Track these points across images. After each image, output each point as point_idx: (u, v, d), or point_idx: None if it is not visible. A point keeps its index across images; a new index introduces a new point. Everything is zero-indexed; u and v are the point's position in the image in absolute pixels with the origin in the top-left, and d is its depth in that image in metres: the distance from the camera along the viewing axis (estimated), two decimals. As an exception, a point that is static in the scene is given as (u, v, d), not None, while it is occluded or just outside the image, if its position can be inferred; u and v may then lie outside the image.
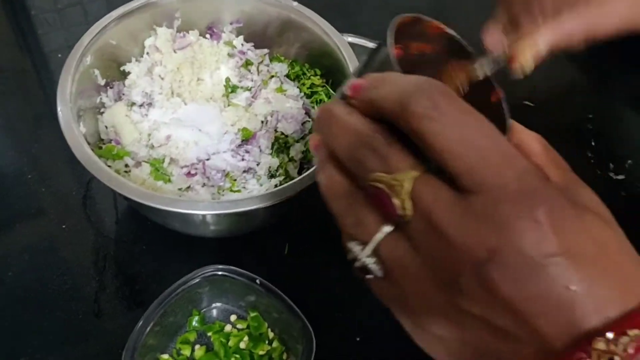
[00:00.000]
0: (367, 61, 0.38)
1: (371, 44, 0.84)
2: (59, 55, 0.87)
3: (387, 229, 0.30)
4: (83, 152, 0.56)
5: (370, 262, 0.31)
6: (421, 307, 0.30)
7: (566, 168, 0.36)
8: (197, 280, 0.61)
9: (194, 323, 0.63)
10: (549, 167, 0.35)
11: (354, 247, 0.33)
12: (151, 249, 0.69)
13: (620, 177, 0.80)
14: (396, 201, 0.29)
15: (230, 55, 0.72)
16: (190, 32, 0.72)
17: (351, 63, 0.65)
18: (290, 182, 0.56)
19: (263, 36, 0.74)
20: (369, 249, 0.31)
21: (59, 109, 0.59)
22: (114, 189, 0.54)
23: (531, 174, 0.28)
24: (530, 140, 0.37)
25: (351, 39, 0.79)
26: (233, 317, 0.64)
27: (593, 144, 0.84)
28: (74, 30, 0.93)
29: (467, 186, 0.28)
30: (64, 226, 0.70)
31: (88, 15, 0.97)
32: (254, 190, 0.62)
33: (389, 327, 0.40)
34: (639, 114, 0.91)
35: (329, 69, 0.70)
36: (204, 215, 0.56)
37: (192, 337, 0.62)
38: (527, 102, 0.88)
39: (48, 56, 0.92)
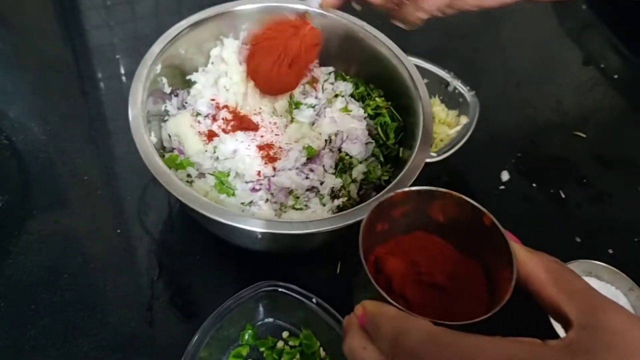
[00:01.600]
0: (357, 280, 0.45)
1: (428, 65, 0.84)
2: (117, 57, 0.87)
3: None
4: (153, 160, 0.56)
5: None
6: None
7: (582, 289, 0.37)
8: (255, 295, 0.61)
9: (246, 337, 0.62)
10: (562, 299, 0.37)
11: None
12: (205, 260, 0.69)
13: (676, 214, 0.80)
14: None
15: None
16: (255, 44, 0.72)
17: (419, 85, 0.65)
18: (353, 209, 0.56)
19: (326, 53, 0.74)
20: None
21: (130, 116, 0.59)
22: (182, 200, 0.54)
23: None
24: (537, 270, 0.38)
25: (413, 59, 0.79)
26: (285, 334, 0.63)
27: (645, 176, 0.84)
28: (123, 27, 0.93)
29: None
30: (118, 231, 0.70)
31: (136, 12, 0.97)
32: (317, 210, 0.62)
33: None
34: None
35: (393, 91, 0.70)
36: (267, 233, 0.56)
37: (244, 351, 0.62)
38: (578, 133, 0.88)
39: (96, 53, 0.91)
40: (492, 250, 0.42)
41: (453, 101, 0.84)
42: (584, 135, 0.88)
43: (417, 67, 0.81)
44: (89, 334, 0.62)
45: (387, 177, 0.66)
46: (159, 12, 0.97)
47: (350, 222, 0.55)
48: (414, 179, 0.58)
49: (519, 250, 0.40)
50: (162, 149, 0.66)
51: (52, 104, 0.83)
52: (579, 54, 1.04)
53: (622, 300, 0.66)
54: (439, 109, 0.83)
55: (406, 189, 0.44)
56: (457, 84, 0.83)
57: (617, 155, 0.86)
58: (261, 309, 0.63)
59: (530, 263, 0.39)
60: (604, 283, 0.67)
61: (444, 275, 0.44)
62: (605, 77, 0.99)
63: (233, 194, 0.62)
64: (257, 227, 0.54)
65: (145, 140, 0.57)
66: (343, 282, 0.68)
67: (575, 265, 0.66)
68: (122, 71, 0.88)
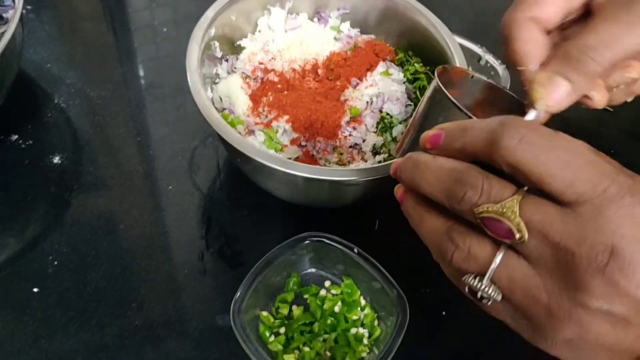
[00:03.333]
0: (426, 112, 0.45)
1: (460, 40, 0.87)
2: (164, 30, 0.91)
3: (501, 255, 0.34)
4: (212, 115, 0.60)
5: (490, 290, 0.35)
6: (547, 318, 0.33)
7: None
8: (299, 245, 0.65)
9: (291, 285, 0.67)
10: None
11: (470, 281, 0.36)
12: (251, 214, 0.73)
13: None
14: (511, 226, 0.32)
15: (337, 40, 0.76)
16: (300, 14, 0.76)
17: (457, 55, 0.69)
18: (392, 160, 0.60)
19: (365, 23, 0.78)
20: (487, 278, 0.35)
21: (187, 74, 0.63)
22: (239, 148, 0.58)
23: (620, 174, 0.32)
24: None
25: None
26: (327, 283, 0.67)
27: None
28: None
29: (571, 200, 0.32)
30: (170, 187, 0.74)
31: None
32: (360, 165, 0.66)
33: (472, 304, 0.44)
34: None
35: (431, 59, 0.74)
36: (314, 180, 0.60)
37: (290, 297, 0.66)
38: (607, 108, 0.90)
39: (143, 31, 0.96)
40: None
41: (485, 74, 0.87)
42: (611, 110, 0.90)
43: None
44: (145, 279, 0.67)
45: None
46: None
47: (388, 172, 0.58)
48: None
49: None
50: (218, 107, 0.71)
51: (105, 73, 0.87)
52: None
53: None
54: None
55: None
56: (489, 57, 0.86)
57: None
58: (305, 258, 0.67)
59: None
60: None
61: None
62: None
63: (281, 150, 0.66)
64: (305, 173, 0.57)
65: (202, 96, 0.61)
66: (381, 238, 0.72)
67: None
68: (166, 48, 0.93)
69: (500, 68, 0.85)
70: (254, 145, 0.59)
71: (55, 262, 0.67)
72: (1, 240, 0.69)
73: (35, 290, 0.65)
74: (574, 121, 0.89)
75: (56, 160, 0.76)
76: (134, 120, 0.81)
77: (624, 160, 0.82)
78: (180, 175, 0.75)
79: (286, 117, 0.66)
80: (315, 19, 0.77)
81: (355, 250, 0.65)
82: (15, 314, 0.63)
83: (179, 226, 0.72)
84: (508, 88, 0.83)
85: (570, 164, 0.32)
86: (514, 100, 0.48)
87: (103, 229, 0.70)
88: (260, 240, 0.71)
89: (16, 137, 0.77)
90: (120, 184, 0.74)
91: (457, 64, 0.68)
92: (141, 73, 0.88)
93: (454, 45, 0.70)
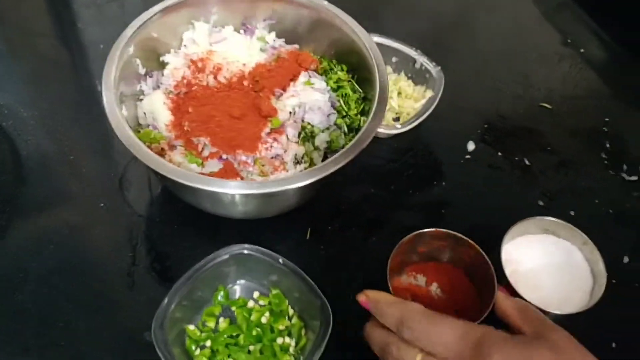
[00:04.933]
0: None
1: (396, 44, 0.88)
2: (101, 46, 0.91)
3: (420, 356, 0.51)
4: (125, 133, 0.61)
5: None
6: None
7: (539, 319, 0.53)
8: (225, 257, 0.65)
9: (219, 298, 0.67)
10: (522, 324, 0.53)
11: None
12: (182, 229, 0.73)
13: (633, 178, 0.83)
14: None
15: (263, 50, 0.76)
16: (225, 27, 0.77)
17: (377, 61, 0.69)
18: (319, 165, 0.60)
19: (294, 33, 0.79)
20: None
21: (103, 93, 0.64)
22: (154, 168, 0.59)
23: (487, 335, 0.49)
24: (510, 309, 0.55)
25: (377, 38, 0.84)
26: (256, 294, 0.68)
27: (608, 145, 0.87)
28: (112, 24, 0.98)
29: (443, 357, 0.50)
30: (101, 205, 0.75)
31: (125, 11, 1.02)
32: (281, 175, 0.66)
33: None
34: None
35: (356, 66, 0.74)
36: (234, 196, 0.60)
37: (217, 310, 0.66)
38: (544, 105, 0.91)
39: (87, 48, 0.97)
40: (487, 285, 0.62)
41: (420, 77, 0.87)
42: (549, 107, 0.91)
43: (386, 46, 0.86)
44: (72, 297, 0.67)
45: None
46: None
47: (319, 177, 0.59)
48: (367, 142, 0.62)
49: (500, 295, 0.58)
50: (138, 126, 0.71)
51: (40, 91, 0.88)
52: (548, 29, 1.07)
53: (578, 255, 0.69)
54: (405, 84, 0.87)
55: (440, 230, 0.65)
56: (423, 60, 0.86)
57: (580, 124, 0.90)
58: (232, 270, 0.67)
59: (504, 304, 0.56)
60: (561, 239, 0.70)
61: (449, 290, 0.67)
62: (573, 52, 1.02)
63: (202, 165, 0.66)
64: (230, 190, 0.58)
65: (117, 115, 0.62)
66: (312, 248, 0.73)
67: (533, 222, 0.69)
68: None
69: (434, 70, 0.85)
70: (168, 164, 0.59)
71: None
72: None
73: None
74: (510, 119, 0.90)
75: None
76: (68, 139, 0.81)
77: (562, 158, 0.84)
78: (111, 192, 0.76)
79: (206, 135, 0.66)
80: (242, 31, 0.78)
81: (281, 260, 0.65)
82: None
83: (109, 243, 0.72)
84: (442, 88, 0.84)
85: (444, 343, 0.50)
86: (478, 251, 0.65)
87: (32, 249, 0.70)
88: (190, 255, 0.71)
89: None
90: (51, 203, 0.75)
91: (378, 68, 0.69)
92: (76, 92, 0.88)
93: (375, 52, 0.70)
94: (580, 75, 0.98)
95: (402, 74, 0.88)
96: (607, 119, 0.91)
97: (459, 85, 0.89)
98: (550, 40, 1.05)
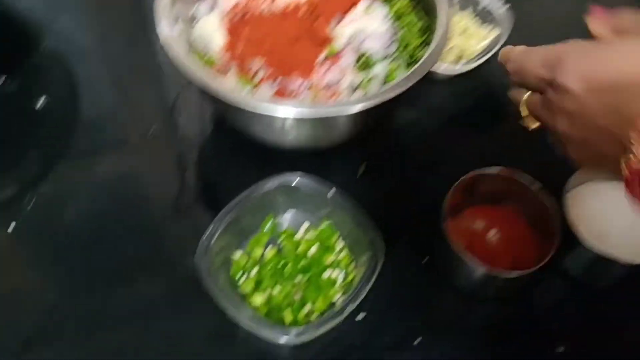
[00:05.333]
0: None
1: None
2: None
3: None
4: (178, 55, 0.59)
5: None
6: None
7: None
8: (275, 185, 0.63)
9: (267, 227, 0.65)
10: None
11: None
12: (232, 158, 0.72)
13: None
14: None
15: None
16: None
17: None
18: (376, 91, 0.57)
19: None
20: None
21: (156, 15, 0.62)
22: (209, 92, 0.57)
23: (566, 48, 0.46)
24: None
25: None
26: (305, 225, 0.65)
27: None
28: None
29: None
30: (152, 131, 0.73)
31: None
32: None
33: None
34: None
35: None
36: (287, 119, 0.58)
37: (264, 239, 0.64)
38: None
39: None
40: (549, 234, 0.60)
41: (487, 15, 0.83)
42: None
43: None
44: (120, 220, 0.67)
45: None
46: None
47: (375, 102, 0.56)
48: (427, 70, 0.59)
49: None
50: (191, 50, 0.69)
51: (96, 17, 0.87)
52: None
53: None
54: (470, 22, 0.82)
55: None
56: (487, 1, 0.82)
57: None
58: (281, 199, 0.65)
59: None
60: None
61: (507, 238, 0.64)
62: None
63: (255, 87, 0.64)
64: (285, 112, 0.56)
65: (171, 39, 0.60)
66: (365, 184, 0.70)
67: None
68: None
69: (501, 10, 0.80)
70: (225, 85, 0.57)
71: (34, 200, 0.67)
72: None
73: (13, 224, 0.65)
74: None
75: (41, 104, 0.76)
76: (121, 65, 0.80)
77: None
78: (163, 119, 0.75)
79: (261, 56, 0.64)
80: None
81: (333, 191, 0.62)
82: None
83: (158, 169, 0.71)
84: (510, 28, 0.79)
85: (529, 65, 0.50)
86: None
87: (83, 171, 0.70)
88: (239, 184, 0.69)
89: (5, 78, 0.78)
90: (103, 128, 0.74)
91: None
92: (133, 18, 0.87)
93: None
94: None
95: (469, 10, 0.83)
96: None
97: (529, 27, 0.84)
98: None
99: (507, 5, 0.80)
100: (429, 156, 0.74)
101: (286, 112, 0.56)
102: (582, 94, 0.43)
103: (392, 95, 0.57)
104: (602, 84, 0.42)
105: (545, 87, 0.48)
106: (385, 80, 0.67)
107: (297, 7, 0.70)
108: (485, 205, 0.65)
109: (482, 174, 0.62)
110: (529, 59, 0.49)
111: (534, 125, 0.53)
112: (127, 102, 0.77)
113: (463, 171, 0.62)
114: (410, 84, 0.58)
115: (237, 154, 0.72)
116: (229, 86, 0.64)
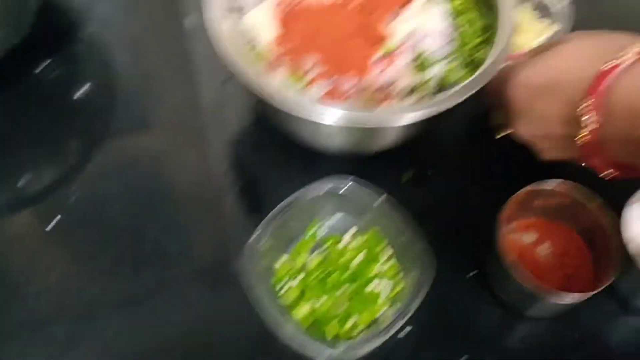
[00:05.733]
0: None
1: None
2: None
3: None
4: (227, 51, 0.56)
5: None
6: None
7: None
8: (323, 190, 0.61)
9: (312, 232, 0.63)
10: None
11: None
12: (275, 157, 0.69)
13: None
14: None
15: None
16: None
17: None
18: (435, 99, 0.55)
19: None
20: None
21: (204, 6, 0.59)
22: (255, 90, 0.54)
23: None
24: None
25: None
26: (352, 231, 0.63)
27: None
28: None
29: None
30: (192, 126, 0.71)
31: None
32: (391, 107, 0.60)
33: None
34: None
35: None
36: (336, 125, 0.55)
37: (309, 245, 0.62)
38: None
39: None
40: (609, 254, 0.57)
41: (546, 10, 0.78)
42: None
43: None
44: (162, 217, 0.65)
45: (468, 79, 0.63)
46: None
47: (434, 112, 0.53)
48: (489, 78, 0.56)
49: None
50: (239, 43, 0.66)
51: (137, 5, 0.84)
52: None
53: None
54: (528, 16, 0.78)
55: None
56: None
57: None
58: (329, 204, 0.63)
59: None
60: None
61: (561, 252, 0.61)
62: None
63: (306, 86, 0.61)
64: (333, 118, 0.53)
65: (219, 31, 0.57)
66: (412, 190, 0.67)
67: None
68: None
69: (559, 5, 0.75)
70: (272, 85, 0.54)
71: (78, 193, 0.66)
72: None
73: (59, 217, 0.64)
74: None
75: (83, 92, 0.73)
76: (166, 53, 0.77)
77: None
78: (204, 114, 0.72)
79: (315, 53, 0.61)
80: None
81: (384, 196, 0.60)
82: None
83: (198, 167, 0.69)
84: (571, 25, 0.75)
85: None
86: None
87: (123, 168, 0.68)
88: (282, 185, 0.66)
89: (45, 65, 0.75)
90: (142, 123, 0.72)
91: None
92: (177, 5, 0.84)
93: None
94: None
95: (527, 3, 0.79)
96: None
97: (592, 25, 0.79)
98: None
99: (565, 2, 0.76)
100: (480, 163, 0.70)
101: (336, 119, 0.53)
102: (525, 97, 0.55)
103: (451, 104, 0.54)
104: (538, 87, 0.53)
105: (502, 101, 0.57)
106: (442, 82, 0.64)
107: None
108: (539, 218, 0.63)
109: (538, 189, 0.59)
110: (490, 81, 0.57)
111: (503, 133, 0.62)
112: (167, 95, 0.74)
113: (516, 182, 0.59)
114: (470, 92, 0.55)
115: (280, 154, 0.69)
116: (277, 86, 0.61)
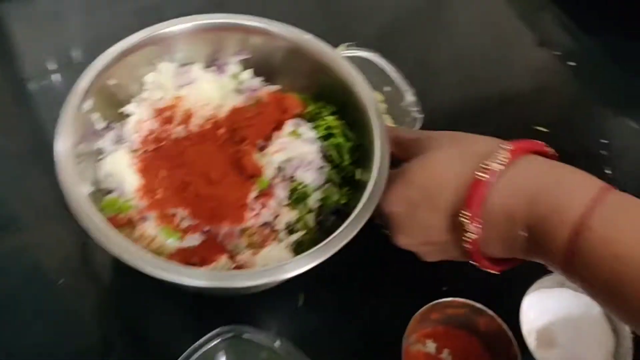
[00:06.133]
0: None
1: (367, 54, 0.78)
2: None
3: None
4: (85, 215, 0.51)
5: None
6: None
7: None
8: (214, 343, 0.57)
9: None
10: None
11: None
12: (158, 303, 0.64)
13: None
14: None
15: (239, 92, 0.66)
16: (192, 65, 0.67)
17: (364, 94, 0.63)
18: (311, 251, 0.52)
19: (270, 66, 0.69)
20: None
21: (57, 162, 0.53)
22: (115, 255, 0.50)
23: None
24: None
25: (348, 53, 0.75)
26: (249, 380, 0.60)
27: (607, 171, 0.82)
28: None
29: None
30: (61, 281, 0.64)
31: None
32: (273, 249, 0.58)
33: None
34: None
35: (343, 104, 0.65)
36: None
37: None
38: (539, 128, 0.85)
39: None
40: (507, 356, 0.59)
41: (405, 116, 0.78)
42: (545, 130, 0.84)
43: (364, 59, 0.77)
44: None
45: (345, 200, 0.62)
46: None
47: (309, 266, 0.51)
48: (361, 226, 0.54)
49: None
50: (98, 192, 0.60)
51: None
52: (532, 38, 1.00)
53: (596, 309, 0.65)
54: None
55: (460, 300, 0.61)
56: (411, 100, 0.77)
57: (581, 148, 0.84)
58: (223, 357, 0.59)
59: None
60: (577, 293, 0.65)
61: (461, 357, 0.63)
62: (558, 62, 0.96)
63: (180, 238, 0.57)
64: (202, 282, 0.49)
65: (75, 191, 0.52)
66: (307, 315, 0.65)
67: (549, 278, 0.64)
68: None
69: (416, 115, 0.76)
70: (133, 249, 0.50)
71: None
72: None
73: None
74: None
75: None
76: (19, 200, 0.70)
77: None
78: (73, 264, 0.65)
79: (184, 206, 0.57)
80: (211, 68, 0.68)
81: (278, 342, 0.57)
82: None
83: (73, 328, 0.62)
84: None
85: None
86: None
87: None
88: (171, 334, 0.62)
89: None
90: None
91: (372, 108, 0.61)
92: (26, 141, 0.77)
93: (361, 84, 0.63)
94: (577, 95, 0.93)
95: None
96: (606, 142, 0.85)
97: (440, 109, 0.82)
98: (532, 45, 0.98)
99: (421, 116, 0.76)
100: (370, 277, 0.69)
101: (197, 282, 0.50)
102: (403, 211, 0.56)
103: (331, 252, 0.52)
104: (415, 202, 0.54)
105: (381, 215, 0.57)
106: (323, 207, 0.62)
107: (214, 127, 0.64)
108: (436, 327, 0.63)
109: (436, 304, 0.60)
110: None
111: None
112: (27, 246, 0.67)
113: (407, 291, 0.63)
114: (349, 237, 0.54)
115: (162, 299, 0.64)
116: (149, 237, 0.57)
